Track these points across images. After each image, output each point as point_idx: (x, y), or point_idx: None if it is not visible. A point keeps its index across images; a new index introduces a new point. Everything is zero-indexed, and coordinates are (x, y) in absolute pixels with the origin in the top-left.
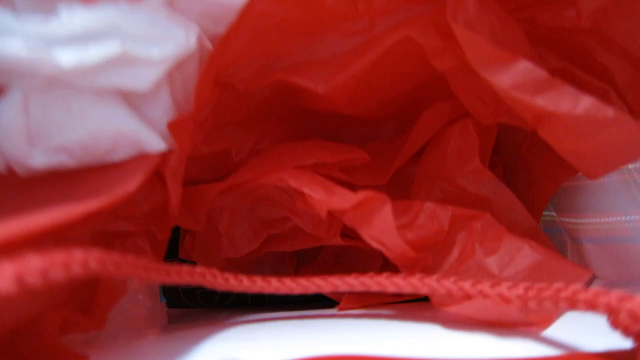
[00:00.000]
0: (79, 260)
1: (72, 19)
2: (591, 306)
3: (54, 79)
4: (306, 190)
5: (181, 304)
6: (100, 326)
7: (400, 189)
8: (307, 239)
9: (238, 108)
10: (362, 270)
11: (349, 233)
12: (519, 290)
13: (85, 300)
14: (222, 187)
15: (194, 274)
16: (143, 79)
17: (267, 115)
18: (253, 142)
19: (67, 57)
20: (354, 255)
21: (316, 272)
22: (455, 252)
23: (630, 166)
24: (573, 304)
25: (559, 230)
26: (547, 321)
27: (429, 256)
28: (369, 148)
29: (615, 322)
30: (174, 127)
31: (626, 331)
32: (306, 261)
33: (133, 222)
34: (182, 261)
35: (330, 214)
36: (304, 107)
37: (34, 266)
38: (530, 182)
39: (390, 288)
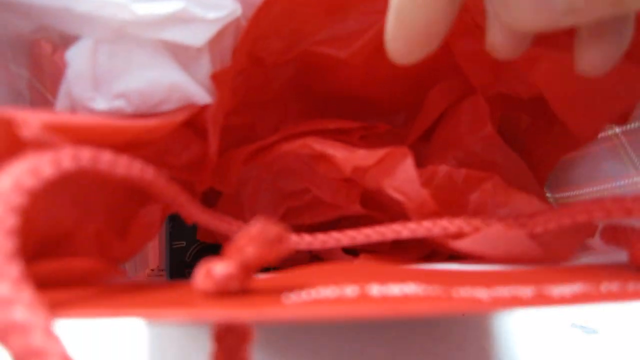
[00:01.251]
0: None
1: None
2: (589, 216)
3: (122, 31)
4: (330, 151)
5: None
6: (129, 256)
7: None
8: (327, 210)
9: (265, 85)
10: (374, 245)
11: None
12: (525, 218)
13: (120, 227)
14: (251, 150)
15: (223, 221)
16: (198, 36)
17: (288, 97)
18: (276, 121)
19: (141, 7)
20: None
21: None
22: (469, 211)
23: (617, 130)
24: (573, 218)
25: None
26: (567, 255)
27: (445, 215)
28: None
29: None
30: (217, 78)
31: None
32: None
33: (172, 170)
34: (201, 243)
35: (350, 179)
36: (322, 91)
37: (87, 154)
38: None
39: (405, 233)
